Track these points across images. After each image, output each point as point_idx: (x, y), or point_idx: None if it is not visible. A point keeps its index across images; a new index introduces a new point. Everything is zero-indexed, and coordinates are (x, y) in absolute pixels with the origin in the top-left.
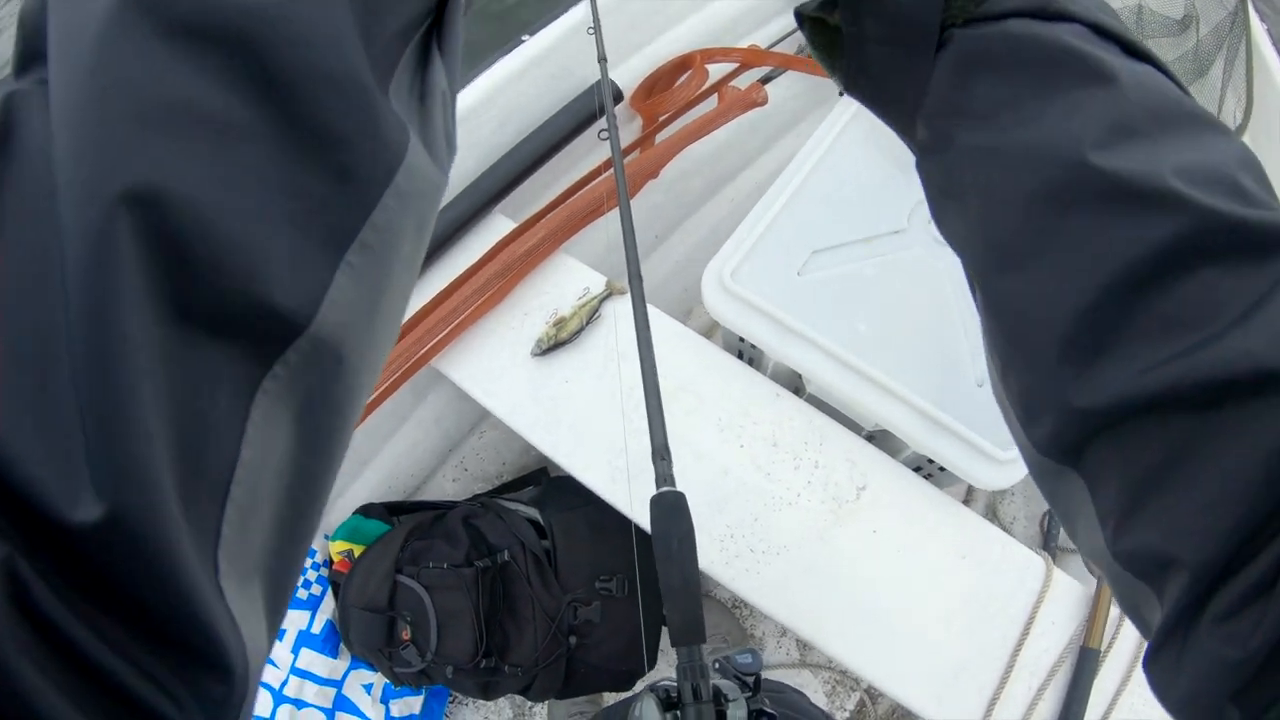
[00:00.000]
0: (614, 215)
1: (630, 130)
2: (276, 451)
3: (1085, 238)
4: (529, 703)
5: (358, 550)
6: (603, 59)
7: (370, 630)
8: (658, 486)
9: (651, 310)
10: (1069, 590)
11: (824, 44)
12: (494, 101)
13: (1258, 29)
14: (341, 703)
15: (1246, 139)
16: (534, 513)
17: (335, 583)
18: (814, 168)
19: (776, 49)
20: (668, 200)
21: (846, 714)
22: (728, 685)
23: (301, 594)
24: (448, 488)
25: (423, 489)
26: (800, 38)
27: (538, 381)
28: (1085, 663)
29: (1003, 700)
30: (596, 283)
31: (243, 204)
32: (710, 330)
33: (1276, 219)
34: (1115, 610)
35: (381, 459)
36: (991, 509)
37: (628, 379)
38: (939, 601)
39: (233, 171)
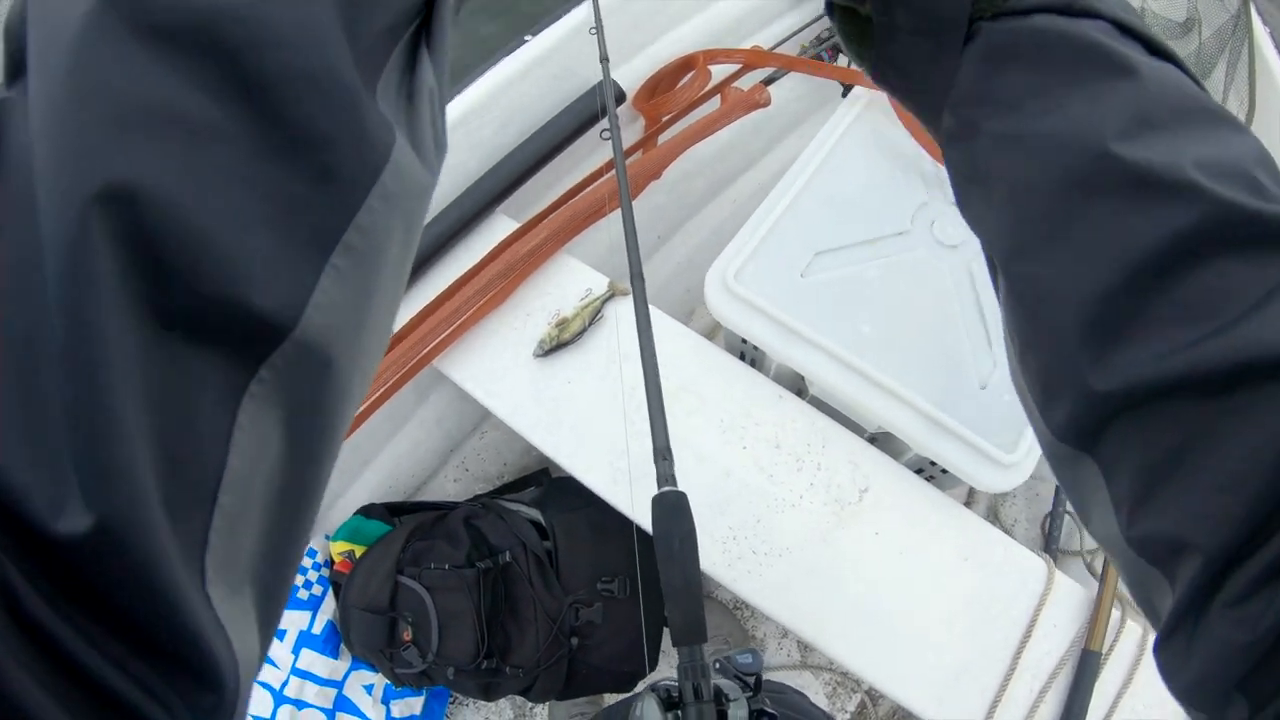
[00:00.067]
0: (616, 216)
1: (633, 131)
2: (266, 457)
3: (1107, 224)
4: (530, 703)
5: (359, 551)
6: (605, 59)
7: (371, 631)
8: (659, 486)
9: (654, 311)
10: (1071, 593)
11: (854, 33)
12: (496, 101)
13: (1260, 32)
14: (342, 703)
15: None
16: (536, 514)
17: (336, 583)
18: (817, 169)
19: (779, 50)
20: (670, 201)
21: (847, 715)
22: (729, 685)
23: (302, 594)
24: (449, 488)
25: (424, 489)
26: (803, 38)
27: (540, 382)
28: (1087, 665)
29: (1004, 703)
30: (599, 283)
31: (218, 204)
32: (712, 331)
33: None
34: (1117, 613)
35: (383, 459)
36: (993, 511)
37: (629, 380)
38: (941, 603)
39: (207, 172)
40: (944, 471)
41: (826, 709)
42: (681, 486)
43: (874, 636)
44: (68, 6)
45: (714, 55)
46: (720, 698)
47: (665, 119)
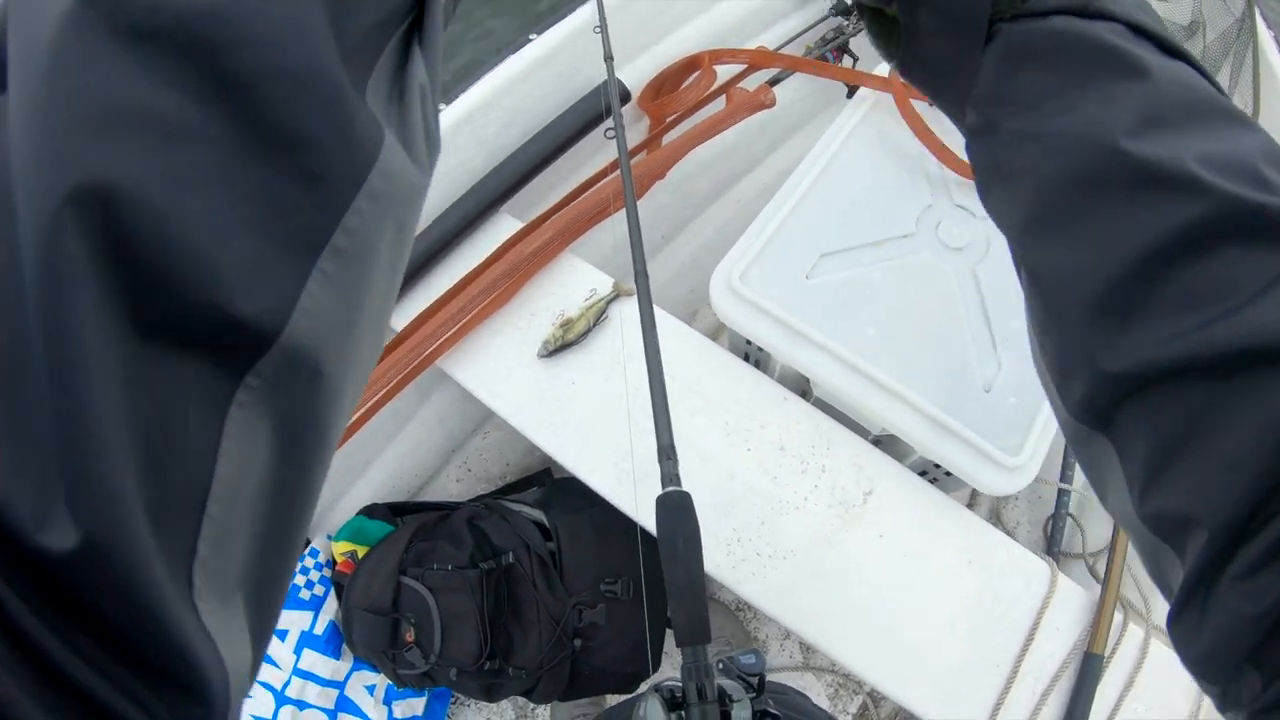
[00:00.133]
0: (620, 216)
1: (637, 131)
2: (256, 466)
3: (1116, 216)
4: (532, 704)
5: (361, 551)
6: (609, 58)
7: (374, 632)
8: (663, 486)
9: (658, 311)
10: (1073, 596)
11: (882, 32)
12: (500, 100)
13: (1264, 35)
14: (344, 704)
15: None
16: (539, 514)
17: (338, 584)
18: (822, 171)
19: (784, 51)
20: (674, 201)
21: (849, 717)
22: (732, 686)
23: (304, 595)
24: (451, 488)
25: (426, 489)
26: (808, 39)
27: (544, 383)
28: (1089, 668)
29: (1006, 705)
30: (603, 284)
31: (197, 206)
32: (716, 332)
33: None
34: (1119, 616)
35: (385, 459)
36: (995, 514)
37: (634, 381)
38: (944, 606)
39: (185, 173)
40: (948, 474)
41: (828, 710)
42: (685, 488)
43: (877, 638)
44: (47, 7)
45: (719, 55)
46: (724, 698)
47: (670, 119)
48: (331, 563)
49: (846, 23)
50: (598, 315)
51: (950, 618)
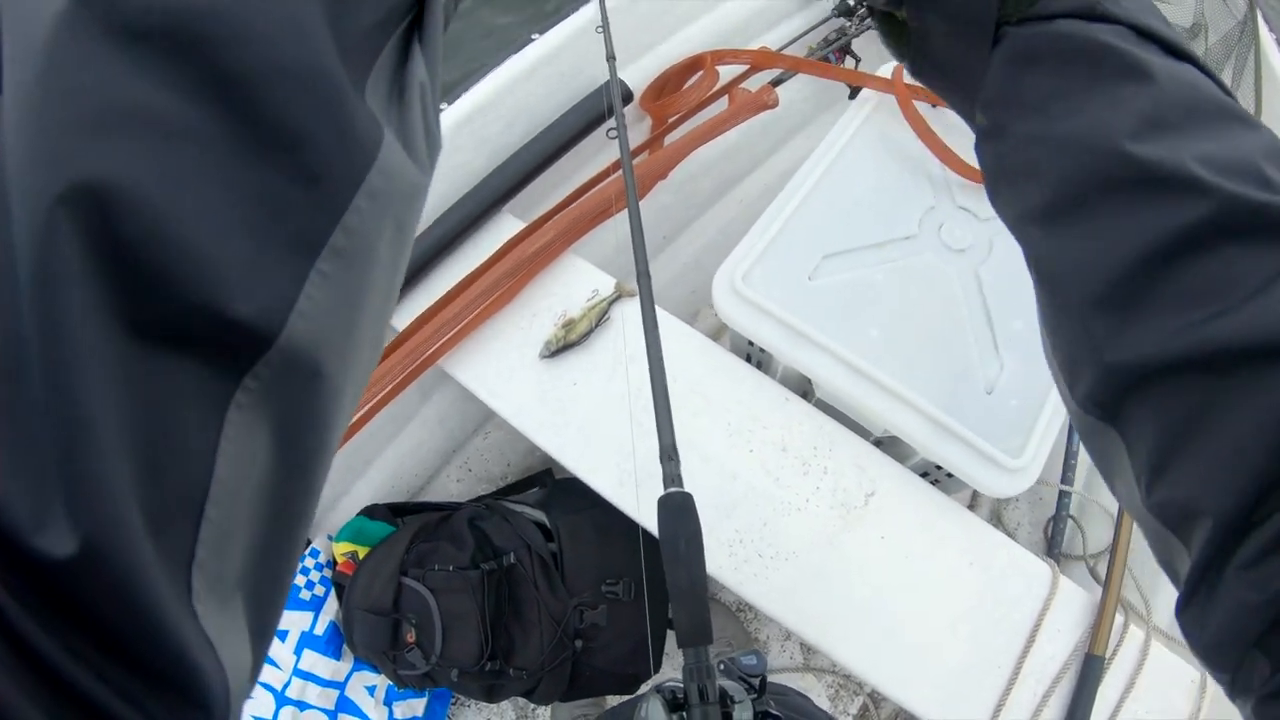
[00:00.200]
0: (623, 216)
1: (640, 131)
2: (256, 468)
3: (1119, 216)
4: (533, 705)
5: (362, 552)
6: (612, 58)
7: (375, 633)
8: (665, 487)
9: (660, 312)
10: (1074, 597)
11: (893, 34)
12: (503, 100)
13: (1266, 37)
14: (344, 704)
15: None
16: (540, 515)
17: (339, 584)
18: (825, 172)
19: (787, 51)
20: (676, 201)
21: (850, 718)
22: (733, 686)
23: (304, 595)
24: (452, 488)
25: (426, 489)
26: (811, 40)
27: (546, 384)
28: (1090, 670)
29: (1007, 706)
30: (605, 284)
31: (193, 206)
32: (718, 332)
33: None
34: (1120, 618)
35: (386, 459)
36: (996, 515)
37: (636, 382)
38: (945, 607)
39: (181, 173)
40: (949, 475)
41: (829, 711)
42: (687, 489)
43: (878, 640)
44: (41, 6)
45: (722, 56)
46: (725, 699)
47: (672, 119)
48: (332, 563)
49: (849, 24)
50: (600, 316)
51: (951, 619)
